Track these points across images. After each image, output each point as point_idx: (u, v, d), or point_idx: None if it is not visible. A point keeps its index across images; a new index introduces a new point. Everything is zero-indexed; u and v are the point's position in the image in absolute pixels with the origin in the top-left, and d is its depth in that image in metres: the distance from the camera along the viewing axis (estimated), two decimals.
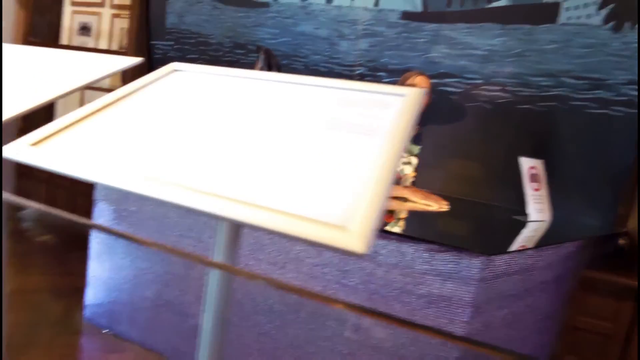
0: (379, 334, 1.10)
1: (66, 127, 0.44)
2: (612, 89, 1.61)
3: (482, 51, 1.79)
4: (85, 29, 3.03)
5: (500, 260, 1.04)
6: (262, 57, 1.89)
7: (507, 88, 1.78)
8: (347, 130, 0.39)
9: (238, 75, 0.53)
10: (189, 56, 2.55)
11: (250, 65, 2.43)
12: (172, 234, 1.40)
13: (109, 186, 0.36)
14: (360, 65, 2.10)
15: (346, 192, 0.32)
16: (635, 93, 1.55)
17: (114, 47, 2.92)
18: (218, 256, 0.42)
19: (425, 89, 1.62)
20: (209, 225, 1.38)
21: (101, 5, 2.94)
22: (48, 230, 2.19)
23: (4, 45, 0.72)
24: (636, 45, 1.53)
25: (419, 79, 1.56)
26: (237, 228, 0.42)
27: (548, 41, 1.67)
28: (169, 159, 0.39)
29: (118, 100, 0.49)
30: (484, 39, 1.78)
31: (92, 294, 1.55)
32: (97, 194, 1.56)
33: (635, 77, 1.54)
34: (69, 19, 3.09)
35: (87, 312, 1.53)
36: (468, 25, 1.80)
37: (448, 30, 1.84)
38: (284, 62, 2.17)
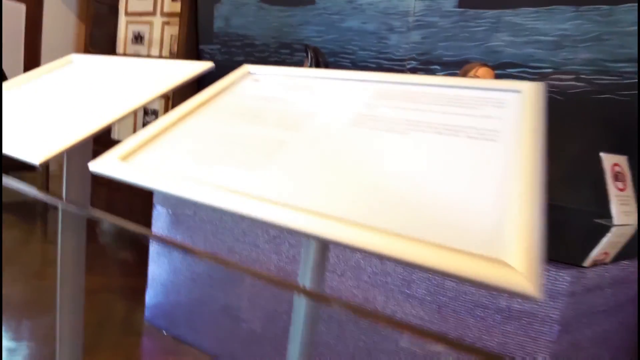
0: (439, 348, 1.02)
1: (152, 139, 0.41)
2: None
3: (552, 37, 1.62)
4: (138, 38, 3.18)
5: (592, 273, 0.92)
6: (310, 55, 1.85)
7: (581, 76, 1.59)
8: (466, 135, 0.33)
9: (317, 75, 0.48)
10: (235, 58, 2.57)
11: (297, 65, 2.41)
12: (228, 239, 1.40)
13: (209, 205, 0.32)
14: (412, 59, 1.99)
15: (491, 213, 0.25)
16: None
17: (165, 53, 3.03)
18: (304, 279, 0.37)
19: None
20: (265, 230, 1.35)
21: (152, 14, 3.06)
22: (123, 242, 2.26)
23: (78, 55, 0.74)
24: None
25: (482, 71, 1.44)
26: (325, 249, 0.37)
27: (630, 22, 1.48)
28: (265, 173, 0.34)
29: (198, 107, 0.46)
30: (554, 23, 1.61)
31: (152, 296, 1.59)
32: (155, 198, 1.60)
33: None
34: (124, 29, 3.25)
35: (148, 314, 1.58)
36: (535, 9, 1.63)
37: (511, 15, 1.69)
38: (331, 59, 2.12)
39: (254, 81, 0.50)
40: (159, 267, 1.61)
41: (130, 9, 3.19)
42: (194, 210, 1.51)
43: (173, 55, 2.94)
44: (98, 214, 0.41)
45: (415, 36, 1.93)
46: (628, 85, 1.51)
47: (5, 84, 0.69)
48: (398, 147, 0.33)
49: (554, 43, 1.61)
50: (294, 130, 0.38)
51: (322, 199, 0.29)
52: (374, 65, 2.09)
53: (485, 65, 1.46)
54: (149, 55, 3.14)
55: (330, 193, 0.29)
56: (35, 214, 2.92)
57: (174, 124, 0.43)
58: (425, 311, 1.01)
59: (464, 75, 1.49)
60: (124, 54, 3.25)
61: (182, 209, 1.54)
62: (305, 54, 1.88)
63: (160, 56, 3.04)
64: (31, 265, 2.05)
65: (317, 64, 1.84)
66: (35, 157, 0.40)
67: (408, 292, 1.03)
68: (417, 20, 1.92)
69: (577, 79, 1.59)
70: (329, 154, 0.34)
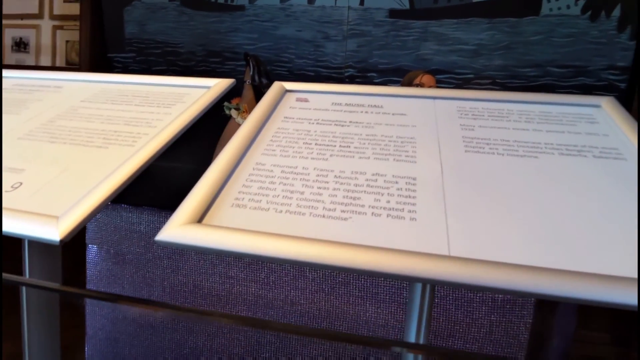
0: None
1: (215, 187, 0.32)
2: (592, 75, 1.72)
3: (472, 46, 1.83)
4: (20, 44, 2.66)
5: None
6: (252, 64, 1.78)
7: (497, 80, 1.83)
8: (592, 155, 0.33)
9: (370, 92, 0.45)
10: (155, 67, 2.34)
11: (228, 74, 2.28)
12: (192, 273, 1.25)
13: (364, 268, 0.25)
14: (349, 66, 2.05)
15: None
16: (614, 77, 1.67)
17: (59, 62, 2.59)
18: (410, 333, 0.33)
19: (434, 87, 1.61)
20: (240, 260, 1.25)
21: (39, 17, 2.59)
22: None
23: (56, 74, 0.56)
24: (613, 32, 1.65)
25: (426, 78, 1.55)
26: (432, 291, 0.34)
27: (533, 32, 1.75)
28: (431, 226, 0.29)
29: (249, 138, 0.38)
30: (472, 34, 1.81)
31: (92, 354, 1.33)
32: (88, 236, 1.35)
33: (614, 63, 1.67)
34: None
35: None
36: (456, 20, 1.82)
37: (436, 26, 1.86)
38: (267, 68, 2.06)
39: (301, 101, 0.44)
40: (100, 318, 1.36)
41: (6, 11, 2.65)
42: (144, 246, 1.31)
43: (72, 64, 2.53)
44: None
45: (351, 44, 1.99)
46: (533, 87, 1.79)
47: None
48: (538, 173, 0.32)
49: (473, 51, 1.82)
50: (410, 161, 0.34)
51: (509, 248, 0.26)
52: (312, 74, 2.09)
53: (427, 73, 1.57)
54: (37, 65, 2.65)
55: (507, 237, 0.27)
56: None
57: (234, 163, 0.34)
58: None
59: (410, 82, 1.59)
60: (2, 64, 2.69)
61: (127, 245, 1.33)
62: (245, 63, 1.80)
63: (54, 65, 2.59)
64: None
65: (259, 73, 1.78)
66: (53, 232, 0.27)
67: None
68: (352, 29, 1.98)
69: (493, 83, 1.82)
70: (472, 191, 0.31)
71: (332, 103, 0.45)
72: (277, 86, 0.47)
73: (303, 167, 0.35)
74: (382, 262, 0.25)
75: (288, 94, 0.46)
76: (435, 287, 0.38)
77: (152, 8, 2.28)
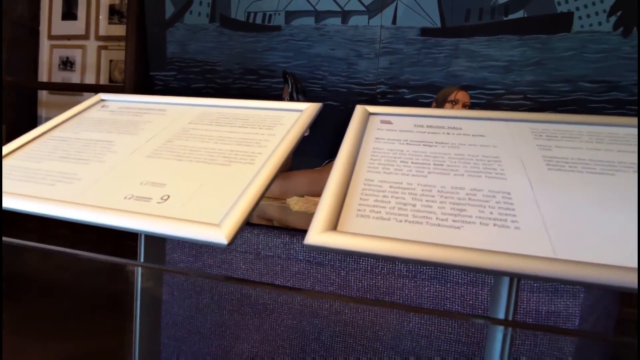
0: None
1: (339, 198, 0.38)
2: (625, 90, 1.74)
3: (502, 62, 1.88)
4: (67, 64, 2.84)
5: None
6: (290, 81, 1.86)
7: (528, 96, 1.87)
8: None
9: (449, 115, 0.50)
10: (194, 85, 2.46)
11: (263, 91, 2.38)
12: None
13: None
14: (381, 83, 2.12)
15: None
16: None
17: (103, 80, 2.75)
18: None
19: (467, 104, 1.66)
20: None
21: (85, 37, 2.77)
22: None
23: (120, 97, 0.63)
24: None
25: (461, 94, 1.60)
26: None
27: (564, 49, 1.79)
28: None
29: (349, 157, 0.43)
30: (503, 51, 1.86)
31: None
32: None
33: None
34: (48, 54, 2.88)
35: None
36: (487, 38, 1.88)
37: (467, 44, 1.91)
38: None
39: (385, 123, 0.50)
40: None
41: (55, 32, 2.85)
42: (194, 255, 1.39)
43: (114, 82, 2.69)
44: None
45: (383, 62, 2.06)
46: (565, 102, 1.82)
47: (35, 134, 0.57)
48: (618, 187, 0.37)
49: (504, 67, 1.87)
50: (500, 178, 0.39)
51: (608, 251, 0.30)
52: (344, 90, 2.17)
53: (462, 89, 1.63)
54: (82, 82, 2.82)
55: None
56: None
57: (346, 179, 0.40)
58: None
59: (444, 98, 1.64)
60: (49, 81, 2.87)
61: (179, 255, 1.40)
62: (284, 80, 1.89)
63: (97, 83, 2.76)
64: None
65: (297, 90, 1.86)
66: (219, 235, 0.33)
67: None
68: (384, 47, 2.05)
69: (524, 98, 1.86)
70: (563, 203, 0.36)
71: (414, 125, 0.50)
72: (360, 109, 0.53)
73: (407, 183, 0.40)
74: (505, 263, 0.30)
75: (372, 117, 0.52)
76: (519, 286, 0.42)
77: (193, 29, 2.42)
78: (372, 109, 0.54)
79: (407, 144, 0.46)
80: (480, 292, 1.16)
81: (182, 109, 0.59)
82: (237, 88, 2.33)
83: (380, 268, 1.28)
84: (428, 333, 1.26)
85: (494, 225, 0.35)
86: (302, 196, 1.51)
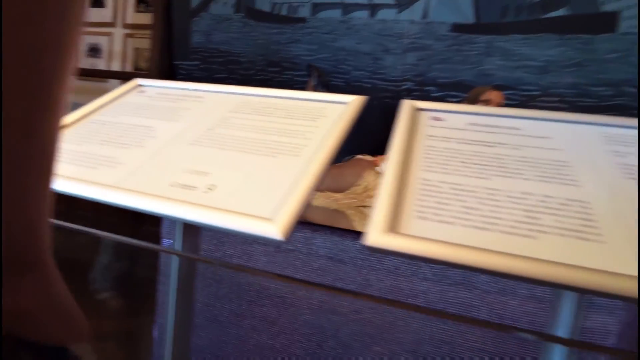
0: None
1: (397, 198, 0.35)
2: None
3: (539, 62, 1.79)
4: (94, 50, 2.87)
5: None
6: (314, 75, 1.83)
7: (566, 99, 1.78)
8: None
9: (506, 114, 0.46)
10: (216, 75, 2.45)
11: (285, 83, 2.36)
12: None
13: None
14: (407, 80, 2.07)
15: None
16: None
17: (128, 68, 2.78)
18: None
19: (502, 105, 1.60)
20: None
21: (112, 25, 2.80)
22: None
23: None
24: None
25: (495, 94, 1.54)
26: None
27: (608, 50, 1.69)
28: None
29: (406, 156, 0.40)
30: (540, 50, 1.78)
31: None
32: (164, 229, 1.43)
33: None
34: None
35: None
36: (524, 36, 1.80)
37: (502, 41, 1.83)
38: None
39: (437, 120, 0.47)
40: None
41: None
42: (215, 244, 1.38)
43: (139, 70, 2.71)
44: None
45: (411, 58, 2.00)
46: (606, 107, 1.72)
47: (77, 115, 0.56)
48: None
49: (540, 68, 1.79)
50: (574, 185, 0.36)
51: None
52: (369, 85, 2.12)
53: (495, 89, 1.56)
54: (108, 69, 2.86)
55: None
56: None
57: (400, 178, 0.37)
58: None
59: (476, 97, 1.58)
60: (77, 67, 2.91)
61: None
62: (308, 74, 1.86)
63: (124, 71, 2.78)
64: None
65: (322, 85, 1.83)
66: (274, 231, 0.31)
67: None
68: (412, 43, 1.99)
69: (561, 101, 1.77)
70: None
71: (468, 123, 0.47)
72: (408, 104, 0.50)
73: (469, 185, 0.37)
74: (591, 280, 0.26)
75: (420, 113, 0.48)
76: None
77: (218, 19, 2.40)
78: (420, 104, 0.50)
79: (464, 143, 0.43)
80: (511, 302, 1.11)
81: (220, 97, 0.57)
82: (259, 80, 2.31)
83: (404, 269, 1.24)
84: (451, 340, 1.22)
85: (575, 237, 0.31)
86: (323, 191, 1.49)
